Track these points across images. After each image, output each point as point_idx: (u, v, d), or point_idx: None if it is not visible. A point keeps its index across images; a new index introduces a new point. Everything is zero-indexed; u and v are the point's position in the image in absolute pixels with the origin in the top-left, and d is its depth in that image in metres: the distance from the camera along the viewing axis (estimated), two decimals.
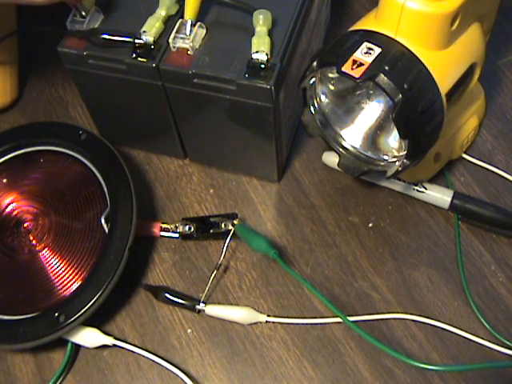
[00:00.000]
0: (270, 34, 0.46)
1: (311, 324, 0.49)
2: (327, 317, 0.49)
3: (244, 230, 0.50)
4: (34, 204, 0.52)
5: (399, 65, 0.41)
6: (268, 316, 0.49)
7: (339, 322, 0.48)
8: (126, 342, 0.48)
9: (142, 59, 0.46)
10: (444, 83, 0.43)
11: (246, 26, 0.47)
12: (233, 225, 0.51)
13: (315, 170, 0.56)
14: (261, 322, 0.49)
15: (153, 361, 0.47)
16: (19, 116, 0.63)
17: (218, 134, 0.52)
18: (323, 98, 0.48)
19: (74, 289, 0.47)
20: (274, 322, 0.49)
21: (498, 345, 0.46)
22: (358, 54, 0.41)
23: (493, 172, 0.55)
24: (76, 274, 0.48)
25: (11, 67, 0.62)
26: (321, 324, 0.49)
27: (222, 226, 0.51)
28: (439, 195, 0.52)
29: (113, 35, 0.47)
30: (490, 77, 0.60)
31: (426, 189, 0.52)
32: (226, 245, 0.50)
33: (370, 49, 0.41)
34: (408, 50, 0.41)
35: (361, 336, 0.46)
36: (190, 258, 0.53)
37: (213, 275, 0.50)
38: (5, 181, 0.54)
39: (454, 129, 0.52)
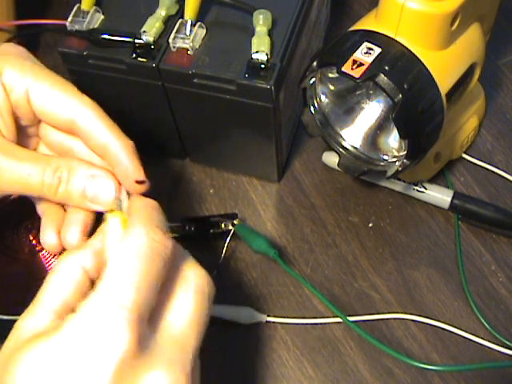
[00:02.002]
0: (270, 34, 0.46)
1: (311, 324, 0.49)
2: (327, 317, 0.48)
3: (244, 230, 0.50)
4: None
5: (399, 65, 0.41)
6: (268, 316, 0.49)
7: (339, 322, 0.48)
8: None
9: (142, 59, 0.46)
10: (444, 83, 0.43)
11: (246, 26, 0.47)
12: (233, 225, 0.51)
13: (315, 170, 0.56)
14: (261, 322, 0.49)
15: None
16: None
17: (217, 134, 0.52)
18: (323, 97, 0.48)
19: None
20: (274, 322, 0.49)
21: (498, 345, 0.46)
22: (358, 54, 0.41)
23: (493, 172, 0.55)
24: None
25: None
26: (321, 324, 0.49)
27: (222, 226, 0.51)
28: (439, 195, 0.52)
29: (113, 35, 0.47)
30: (490, 77, 0.59)
31: (426, 189, 0.52)
32: (226, 245, 0.50)
33: (370, 49, 0.41)
34: (408, 50, 0.41)
35: (361, 336, 0.46)
36: None
37: (213, 275, 0.50)
38: None
39: (454, 129, 0.52)
